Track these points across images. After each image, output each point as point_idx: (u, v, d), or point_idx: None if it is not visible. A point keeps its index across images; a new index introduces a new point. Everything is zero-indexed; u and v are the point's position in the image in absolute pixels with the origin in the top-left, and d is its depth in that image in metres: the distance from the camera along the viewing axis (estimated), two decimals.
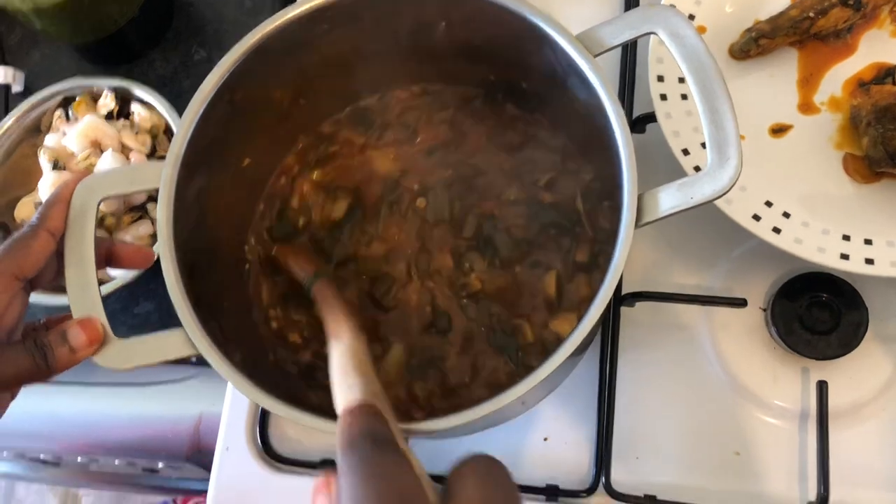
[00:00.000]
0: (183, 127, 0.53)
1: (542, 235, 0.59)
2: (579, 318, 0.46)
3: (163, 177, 0.51)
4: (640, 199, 0.47)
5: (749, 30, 0.65)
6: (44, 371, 0.46)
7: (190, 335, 0.48)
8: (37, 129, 0.73)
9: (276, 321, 0.60)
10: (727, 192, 0.45)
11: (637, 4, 0.72)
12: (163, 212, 0.51)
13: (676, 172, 0.61)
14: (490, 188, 0.61)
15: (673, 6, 0.50)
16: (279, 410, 0.46)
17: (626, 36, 0.50)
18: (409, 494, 0.31)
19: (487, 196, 0.60)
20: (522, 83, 0.60)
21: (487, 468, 0.35)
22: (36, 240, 0.48)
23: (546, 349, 0.56)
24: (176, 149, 0.53)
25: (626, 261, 0.46)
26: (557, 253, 0.58)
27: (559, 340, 0.50)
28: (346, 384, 0.43)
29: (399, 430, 0.38)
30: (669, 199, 0.46)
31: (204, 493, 0.66)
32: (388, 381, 0.57)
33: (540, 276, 0.58)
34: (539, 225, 0.59)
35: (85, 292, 0.48)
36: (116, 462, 0.84)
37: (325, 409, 0.54)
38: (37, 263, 0.48)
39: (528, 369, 0.46)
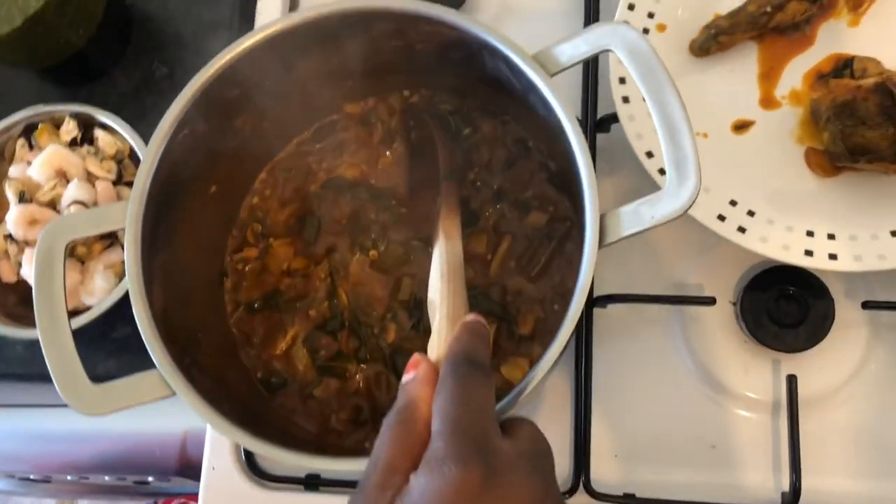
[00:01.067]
0: (146, 162, 0.53)
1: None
2: (531, 364, 0.47)
3: (128, 215, 0.52)
4: (602, 219, 0.48)
5: (708, 26, 0.65)
6: None
7: (166, 377, 0.48)
8: (1, 157, 0.72)
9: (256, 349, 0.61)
10: (687, 210, 0.46)
11: (597, 19, 0.71)
12: (131, 251, 0.51)
13: (641, 171, 0.62)
14: None
15: (627, 23, 0.50)
16: (260, 448, 0.47)
17: (583, 54, 0.50)
18: (482, 421, 0.37)
19: None
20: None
21: (538, 432, 0.40)
22: None
23: None
24: (140, 185, 0.53)
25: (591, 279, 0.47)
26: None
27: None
28: (453, 286, 0.48)
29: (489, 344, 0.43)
30: (630, 220, 0.47)
31: (192, 495, 0.67)
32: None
33: None
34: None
35: (58, 340, 0.49)
36: (107, 478, 0.85)
37: (305, 438, 0.56)
38: None
39: None
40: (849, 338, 0.63)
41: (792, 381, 0.61)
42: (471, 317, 0.43)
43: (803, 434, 0.60)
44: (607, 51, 0.50)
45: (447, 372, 0.39)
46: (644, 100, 0.62)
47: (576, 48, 0.50)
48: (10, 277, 0.68)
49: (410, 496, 0.35)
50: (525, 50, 0.51)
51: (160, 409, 0.80)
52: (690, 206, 0.46)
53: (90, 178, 0.67)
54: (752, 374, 0.64)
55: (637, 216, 0.47)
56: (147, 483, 0.89)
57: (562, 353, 0.47)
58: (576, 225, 0.59)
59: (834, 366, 0.63)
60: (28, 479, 0.90)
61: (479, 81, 0.59)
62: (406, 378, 0.41)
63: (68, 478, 0.86)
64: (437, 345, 0.44)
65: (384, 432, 0.38)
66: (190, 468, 0.79)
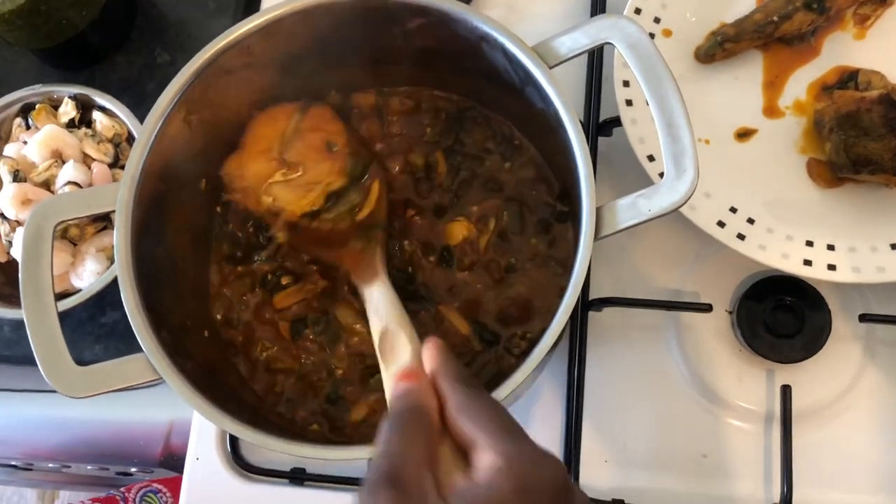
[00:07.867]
0: (139, 144, 0.52)
1: None
2: None
3: (119, 199, 0.51)
4: (598, 211, 0.47)
5: (714, 33, 0.65)
6: None
7: (152, 361, 0.48)
8: None
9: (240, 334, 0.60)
10: (684, 203, 0.46)
11: (603, 11, 0.71)
12: (120, 235, 0.50)
13: (643, 174, 0.61)
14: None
15: (628, 17, 0.50)
16: (246, 435, 0.46)
17: (583, 46, 0.50)
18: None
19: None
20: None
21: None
22: None
23: None
24: (132, 170, 0.52)
25: (588, 269, 0.47)
26: None
27: None
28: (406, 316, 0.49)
29: None
30: (627, 211, 0.47)
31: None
32: None
33: None
34: None
35: (43, 321, 0.48)
36: (89, 467, 0.84)
37: (290, 428, 0.55)
38: None
39: None
40: (845, 350, 0.62)
41: (786, 391, 0.60)
42: (435, 340, 0.44)
43: (796, 446, 0.59)
44: (607, 43, 0.49)
45: (464, 394, 0.40)
46: (647, 103, 0.63)
47: (575, 41, 0.50)
48: (0, 257, 0.68)
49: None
50: (524, 41, 0.50)
51: (147, 399, 0.80)
52: (688, 199, 0.45)
53: (86, 161, 0.67)
54: (746, 384, 0.63)
55: (634, 208, 0.46)
56: (130, 474, 0.88)
57: (555, 347, 0.47)
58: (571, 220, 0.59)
59: (829, 378, 0.62)
60: (10, 466, 0.89)
61: (479, 77, 0.58)
62: (408, 384, 0.42)
63: (50, 465, 0.85)
64: (411, 359, 0.45)
65: (398, 427, 0.39)
66: (174, 459, 0.78)
